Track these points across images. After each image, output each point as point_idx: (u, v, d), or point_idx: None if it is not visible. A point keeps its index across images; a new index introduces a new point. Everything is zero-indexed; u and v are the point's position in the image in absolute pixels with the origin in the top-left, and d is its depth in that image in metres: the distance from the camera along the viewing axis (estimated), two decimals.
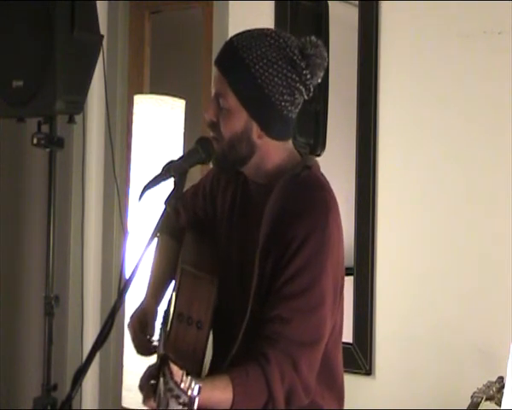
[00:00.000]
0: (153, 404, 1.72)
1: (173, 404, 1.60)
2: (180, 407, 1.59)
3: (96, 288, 3.91)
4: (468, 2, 2.82)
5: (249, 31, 1.97)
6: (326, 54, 1.97)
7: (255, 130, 1.95)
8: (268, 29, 1.98)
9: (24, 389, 4.02)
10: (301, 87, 1.94)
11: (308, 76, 1.93)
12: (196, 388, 1.59)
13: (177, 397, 1.60)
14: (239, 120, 1.93)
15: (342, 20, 3.22)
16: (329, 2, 3.22)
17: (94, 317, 3.88)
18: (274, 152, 1.99)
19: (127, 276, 1.79)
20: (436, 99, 2.91)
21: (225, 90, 1.93)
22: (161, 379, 1.63)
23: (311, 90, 1.97)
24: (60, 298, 3.25)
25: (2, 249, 4.12)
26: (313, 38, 1.96)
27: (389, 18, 3.01)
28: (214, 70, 1.97)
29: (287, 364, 1.86)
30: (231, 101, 1.93)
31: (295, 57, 1.92)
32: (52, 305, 3.21)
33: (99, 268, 3.92)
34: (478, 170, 2.82)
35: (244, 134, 1.94)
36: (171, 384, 1.61)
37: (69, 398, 1.70)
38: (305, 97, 1.98)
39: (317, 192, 1.97)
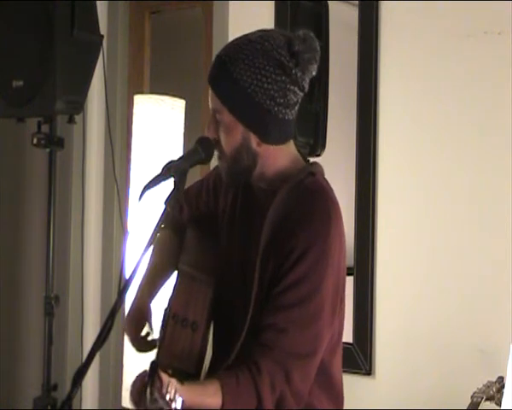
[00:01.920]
0: None
1: None
2: None
3: (96, 288, 3.91)
4: (468, 2, 2.81)
5: (236, 40, 1.94)
6: (317, 44, 1.92)
7: (253, 138, 1.93)
8: (254, 33, 1.94)
9: (24, 389, 4.02)
10: (293, 87, 1.90)
11: (299, 74, 1.89)
12: (179, 401, 1.62)
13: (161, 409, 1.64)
14: (236, 134, 1.92)
15: (342, 20, 3.22)
16: (329, 2, 3.21)
17: (94, 317, 3.88)
18: (276, 157, 1.97)
19: (127, 276, 1.79)
20: (436, 99, 2.90)
21: (220, 106, 1.92)
22: (148, 389, 1.64)
23: (306, 86, 1.93)
24: (60, 298, 3.25)
25: (3, 249, 4.12)
26: (301, 32, 1.92)
27: (389, 18, 3.00)
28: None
29: (278, 374, 1.85)
30: (226, 117, 1.92)
31: (283, 58, 1.88)
32: (52, 305, 3.21)
33: (99, 268, 3.92)
34: (478, 170, 2.81)
35: (243, 145, 1.93)
36: (156, 395, 1.63)
37: (69, 398, 1.70)
38: (301, 94, 1.93)
39: (319, 201, 1.94)
